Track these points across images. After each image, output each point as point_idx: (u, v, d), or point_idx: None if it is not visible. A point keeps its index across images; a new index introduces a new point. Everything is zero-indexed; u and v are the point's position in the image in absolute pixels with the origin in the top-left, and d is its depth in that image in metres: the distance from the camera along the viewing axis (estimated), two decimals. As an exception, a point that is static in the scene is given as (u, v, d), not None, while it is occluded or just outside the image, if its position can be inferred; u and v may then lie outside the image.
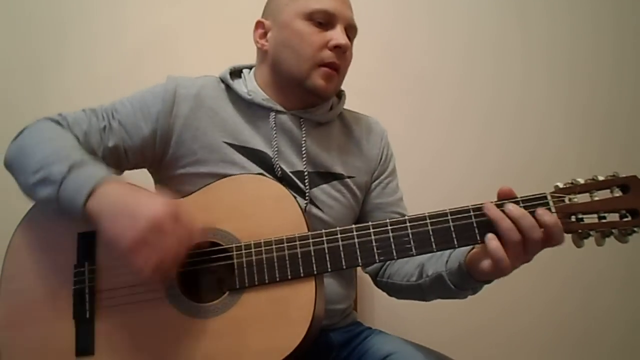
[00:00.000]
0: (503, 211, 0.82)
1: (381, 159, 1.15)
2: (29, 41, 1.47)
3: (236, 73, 1.11)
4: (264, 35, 1.07)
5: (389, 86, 1.58)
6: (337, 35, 1.02)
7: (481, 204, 0.86)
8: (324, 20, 1.02)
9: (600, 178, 0.87)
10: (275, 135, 1.03)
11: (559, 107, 1.66)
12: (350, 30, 1.06)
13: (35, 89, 1.44)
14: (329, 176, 1.06)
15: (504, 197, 0.85)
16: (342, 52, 1.02)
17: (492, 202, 0.85)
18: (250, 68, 1.13)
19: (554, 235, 0.82)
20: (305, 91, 1.03)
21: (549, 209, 0.84)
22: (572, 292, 1.58)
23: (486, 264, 0.84)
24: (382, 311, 1.41)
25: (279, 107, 1.05)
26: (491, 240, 0.82)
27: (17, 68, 1.46)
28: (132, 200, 0.81)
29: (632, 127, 1.67)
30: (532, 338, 1.58)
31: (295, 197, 0.92)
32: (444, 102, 1.62)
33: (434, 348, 1.00)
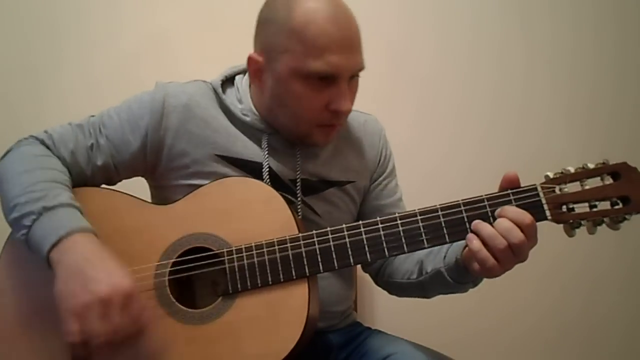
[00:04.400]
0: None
1: (380, 160, 1.10)
2: (25, 44, 1.46)
3: (229, 80, 1.04)
4: (259, 73, 0.96)
5: (392, 88, 1.55)
6: (338, 98, 0.91)
7: (472, 198, 0.86)
8: (324, 77, 0.90)
9: (591, 166, 0.86)
10: (267, 155, 0.98)
11: (561, 108, 1.65)
12: (357, 72, 0.95)
13: (31, 92, 1.42)
14: (326, 183, 1.02)
15: (508, 185, 0.86)
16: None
17: (487, 194, 0.85)
18: (245, 72, 1.05)
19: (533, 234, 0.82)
20: (306, 143, 0.99)
21: (540, 201, 0.84)
22: (574, 294, 1.57)
23: (475, 265, 0.83)
24: (382, 311, 1.41)
25: (273, 130, 1.00)
26: (472, 240, 0.82)
27: (14, 71, 1.44)
28: (90, 268, 0.78)
29: (634, 128, 1.66)
30: (534, 340, 1.58)
31: (289, 203, 0.91)
32: (447, 104, 1.61)
33: (434, 348, 0.99)
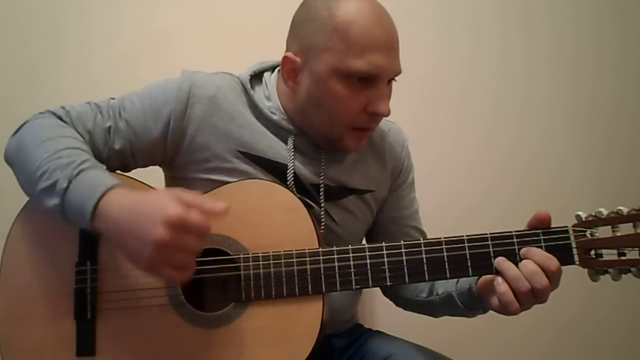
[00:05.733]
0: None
1: (401, 170, 1.08)
2: (24, 43, 1.42)
3: (257, 76, 1.01)
4: (294, 74, 0.93)
5: (393, 88, 1.52)
6: (377, 100, 0.90)
7: (500, 232, 0.83)
8: (364, 78, 0.89)
9: (624, 211, 0.84)
10: (292, 156, 0.95)
11: (562, 109, 1.63)
12: (395, 76, 0.95)
13: (30, 91, 1.39)
14: (346, 191, 1.00)
15: (538, 224, 0.83)
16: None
17: (517, 230, 0.83)
18: (273, 68, 1.02)
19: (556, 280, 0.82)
20: (335, 146, 0.96)
21: (570, 244, 0.82)
22: (573, 294, 1.57)
23: (495, 302, 0.82)
24: (382, 312, 1.41)
25: (299, 131, 0.97)
26: (500, 284, 0.80)
27: (12, 70, 1.40)
28: (135, 219, 0.75)
29: (635, 129, 1.64)
30: (533, 340, 1.59)
31: (309, 209, 0.89)
32: (448, 104, 1.58)
33: (434, 349, 1.00)
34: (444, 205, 1.48)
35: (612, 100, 1.64)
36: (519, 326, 1.55)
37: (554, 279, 0.80)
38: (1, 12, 1.41)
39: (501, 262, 0.81)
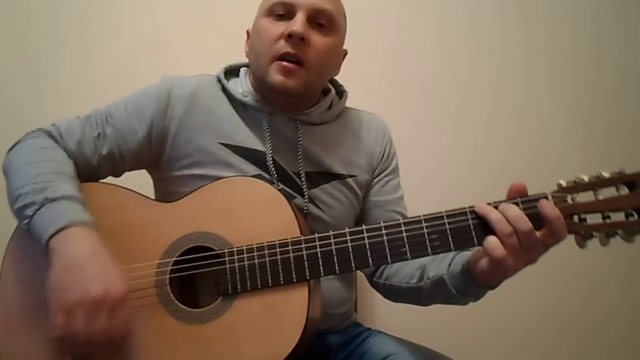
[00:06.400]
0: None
1: (383, 156, 1.11)
2: (25, 44, 1.48)
3: (233, 72, 1.09)
4: (249, 40, 1.07)
5: (392, 88, 1.55)
6: (292, 23, 0.96)
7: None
8: (283, 12, 0.98)
9: (606, 175, 0.83)
10: (269, 138, 1.00)
11: (562, 108, 1.64)
12: (320, 17, 0.98)
13: (31, 92, 1.44)
14: (328, 176, 1.04)
15: (517, 195, 0.82)
16: (299, 40, 0.95)
17: (495, 201, 0.82)
18: (248, 65, 1.10)
19: (555, 230, 0.78)
20: (274, 92, 0.99)
21: (551, 205, 0.81)
22: (573, 294, 1.56)
23: (484, 262, 0.81)
24: (382, 312, 1.40)
25: (273, 109, 1.03)
26: (490, 239, 0.79)
27: (14, 71, 1.46)
28: (87, 265, 0.79)
29: (634, 128, 1.64)
30: (533, 340, 1.56)
31: (288, 199, 0.90)
32: (447, 103, 1.60)
33: (434, 348, 0.99)
34: (443, 205, 1.47)
35: (611, 99, 1.65)
36: (520, 326, 1.55)
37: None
38: (2, 13, 1.47)
39: (482, 206, 0.80)
